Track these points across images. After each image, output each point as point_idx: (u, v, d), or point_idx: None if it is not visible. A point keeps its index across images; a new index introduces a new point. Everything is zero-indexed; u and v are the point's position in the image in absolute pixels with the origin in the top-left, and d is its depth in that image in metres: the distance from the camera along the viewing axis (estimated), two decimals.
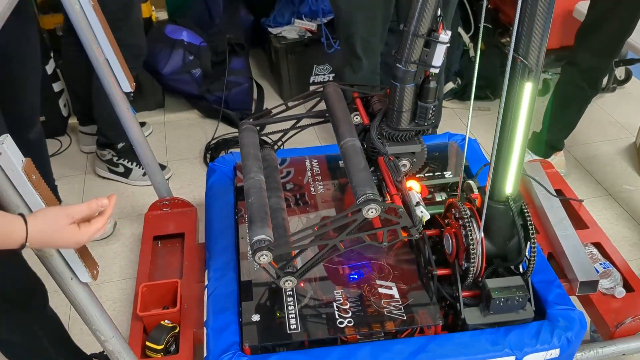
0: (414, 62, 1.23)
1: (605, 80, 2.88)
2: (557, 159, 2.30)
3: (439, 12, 1.18)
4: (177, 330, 1.49)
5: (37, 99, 1.84)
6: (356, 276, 1.46)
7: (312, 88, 2.89)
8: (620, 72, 2.92)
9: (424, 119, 1.31)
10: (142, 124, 2.76)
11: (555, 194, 1.77)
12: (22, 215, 0.91)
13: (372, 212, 1.14)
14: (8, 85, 1.68)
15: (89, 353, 1.62)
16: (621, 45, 2.01)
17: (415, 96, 1.29)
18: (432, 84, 1.26)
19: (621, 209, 2.22)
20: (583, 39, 2.00)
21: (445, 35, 1.18)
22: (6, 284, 1.26)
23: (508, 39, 2.62)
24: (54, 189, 2.05)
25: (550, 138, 2.28)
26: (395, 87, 1.27)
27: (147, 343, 1.45)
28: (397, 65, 1.25)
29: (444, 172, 1.72)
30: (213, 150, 2.58)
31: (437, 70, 1.24)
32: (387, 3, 1.97)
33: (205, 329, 1.36)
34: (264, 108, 2.83)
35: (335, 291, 1.41)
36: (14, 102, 1.71)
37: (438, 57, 1.21)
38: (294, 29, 2.83)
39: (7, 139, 0.93)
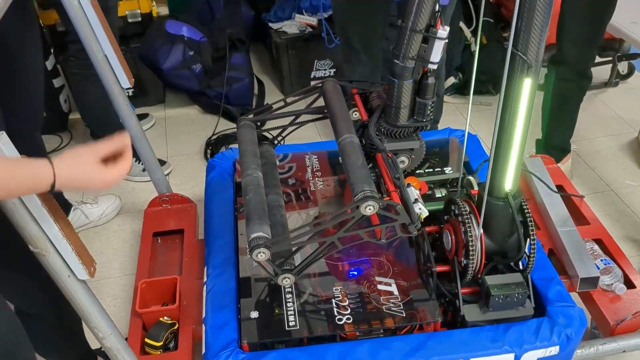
0: (412, 58, 1.22)
1: (608, 75, 2.87)
2: (564, 166, 2.27)
3: (437, 8, 1.17)
4: (176, 327, 1.49)
5: (41, 97, 1.83)
6: (355, 273, 1.45)
7: (313, 83, 2.87)
8: (623, 66, 2.90)
9: (422, 115, 1.30)
10: (145, 116, 2.75)
11: (556, 190, 1.76)
12: (48, 157, 0.90)
13: (369, 209, 1.13)
14: (12, 82, 1.67)
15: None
16: (601, 31, 1.99)
17: (414, 92, 1.28)
18: (431, 80, 1.25)
19: (623, 205, 2.21)
20: (562, 32, 1.99)
21: (443, 31, 1.17)
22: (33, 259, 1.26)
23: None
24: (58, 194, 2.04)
25: (557, 141, 2.24)
26: (393, 83, 1.26)
27: (146, 340, 1.45)
28: (395, 61, 1.24)
29: (445, 168, 1.71)
30: (213, 146, 2.58)
31: (435, 66, 1.23)
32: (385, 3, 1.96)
33: (204, 325, 1.36)
34: (265, 103, 2.82)
35: (334, 288, 1.41)
36: (18, 99, 1.71)
37: (436, 53, 1.20)
38: (295, 24, 2.82)
39: (3, 135, 0.92)
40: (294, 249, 1.29)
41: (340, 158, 1.30)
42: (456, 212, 1.32)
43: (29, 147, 0.87)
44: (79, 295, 1.13)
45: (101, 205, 2.20)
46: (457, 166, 1.71)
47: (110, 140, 0.98)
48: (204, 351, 1.31)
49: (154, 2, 2.84)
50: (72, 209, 2.13)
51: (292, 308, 1.36)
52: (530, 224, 1.27)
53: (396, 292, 1.39)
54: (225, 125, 2.69)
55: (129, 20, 2.70)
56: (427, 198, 1.54)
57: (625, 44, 2.78)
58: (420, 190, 1.29)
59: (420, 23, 1.18)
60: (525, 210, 1.28)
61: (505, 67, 1.09)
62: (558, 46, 2.03)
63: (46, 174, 0.89)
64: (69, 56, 2.13)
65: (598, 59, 2.62)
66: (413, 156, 1.39)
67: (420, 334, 1.31)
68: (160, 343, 1.44)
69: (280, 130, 1.55)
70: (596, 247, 1.66)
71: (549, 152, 2.16)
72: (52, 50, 2.56)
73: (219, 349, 1.27)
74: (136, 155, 2.33)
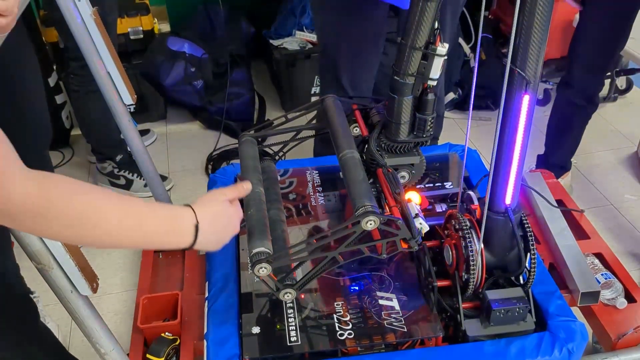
0: (412, 74, 1.23)
1: (606, 90, 2.89)
2: (564, 181, 2.28)
3: (436, 25, 1.19)
4: (177, 343, 1.48)
5: (46, 114, 1.83)
6: (357, 287, 1.46)
7: (313, 99, 2.90)
8: (621, 81, 2.92)
9: (422, 131, 1.31)
10: (147, 131, 2.77)
11: (556, 205, 1.76)
12: (189, 206, 0.94)
13: (370, 224, 1.14)
14: (16, 102, 1.68)
15: None
16: (611, 60, 2.00)
17: (414, 108, 1.29)
18: (430, 96, 1.26)
19: (623, 219, 2.22)
20: (573, 57, 2.00)
21: (442, 48, 1.19)
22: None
23: None
24: None
25: (557, 160, 2.26)
26: (393, 99, 1.28)
27: (148, 355, 1.45)
28: (395, 77, 1.25)
29: (445, 183, 1.72)
30: (215, 162, 2.59)
31: (435, 83, 1.24)
32: (377, 38, 1.93)
33: (205, 341, 1.36)
34: (266, 119, 2.84)
35: (335, 303, 1.41)
36: (23, 118, 1.71)
37: (436, 70, 1.21)
38: (295, 41, 2.85)
39: None
40: (295, 264, 1.29)
41: (341, 173, 1.31)
42: (456, 226, 1.33)
43: (39, 165, 0.87)
44: (81, 311, 1.13)
45: None
46: (457, 181, 1.72)
47: (234, 186, 1.09)
48: None
49: (156, 19, 2.87)
50: None
51: (293, 323, 1.36)
52: (530, 238, 1.28)
53: (397, 307, 1.40)
54: (227, 141, 2.70)
55: (131, 37, 2.73)
56: (427, 213, 1.54)
57: (623, 58, 2.80)
58: (420, 205, 1.30)
59: (420, 40, 1.19)
60: (526, 225, 1.29)
61: (504, 83, 1.11)
62: (568, 69, 2.03)
63: (188, 214, 0.92)
64: (69, 73, 2.16)
65: None
66: (413, 171, 1.40)
67: (421, 349, 1.31)
68: (162, 359, 1.44)
69: (281, 145, 1.56)
70: (597, 261, 1.66)
71: (549, 168, 2.18)
72: (54, 67, 2.58)
73: None
74: (138, 171, 2.35)
